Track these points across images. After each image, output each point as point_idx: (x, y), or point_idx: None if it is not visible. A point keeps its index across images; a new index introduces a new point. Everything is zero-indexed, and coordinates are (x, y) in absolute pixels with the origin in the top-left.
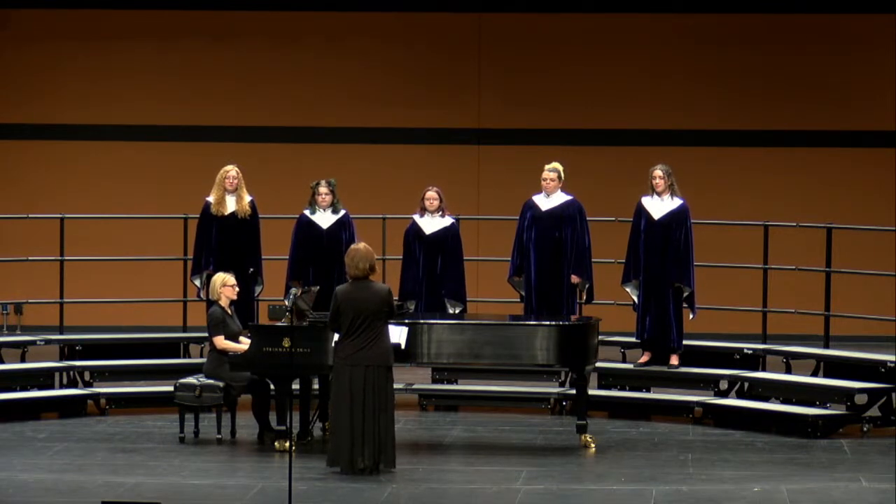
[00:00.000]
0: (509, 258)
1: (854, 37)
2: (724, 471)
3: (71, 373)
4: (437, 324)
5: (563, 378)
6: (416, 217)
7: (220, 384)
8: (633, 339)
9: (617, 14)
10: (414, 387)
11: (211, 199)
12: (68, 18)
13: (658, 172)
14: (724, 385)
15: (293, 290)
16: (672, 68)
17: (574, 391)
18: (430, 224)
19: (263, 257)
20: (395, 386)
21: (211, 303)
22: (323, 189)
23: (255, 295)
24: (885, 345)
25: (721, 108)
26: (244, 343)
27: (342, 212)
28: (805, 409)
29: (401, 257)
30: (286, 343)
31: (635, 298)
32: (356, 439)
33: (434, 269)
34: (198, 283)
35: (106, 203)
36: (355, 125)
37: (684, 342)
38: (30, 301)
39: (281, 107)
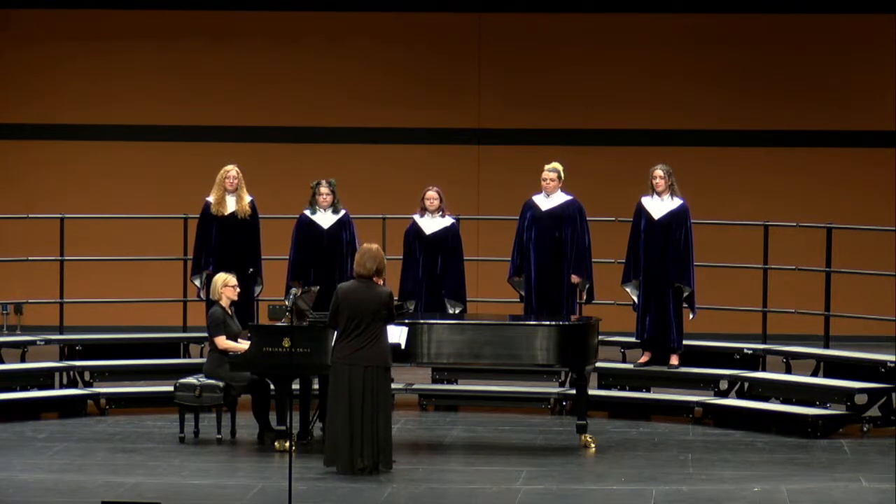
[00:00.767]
0: (509, 258)
1: (854, 37)
2: (724, 471)
3: (71, 373)
4: (437, 324)
5: (563, 378)
6: (417, 217)
7: (220, 384)
8: (633, 339)
9: (617, 14)
10: (414, 387)
11: (211, 199)
12: (68, 18)
13: (658, 172)
14: (724, 385)
15: (293, 291)
16: (672, 68)
17: (574, 391)
18: (431, 224)
19: (263, 257)
20: (395, 386)
21: (211, 303)
22: (323, 189)
23: (255, 295)
24: (885, 345)
25: (721, 108)
26: (244, 343)
27: (342, 212)
28: (805, 409)
29: (401, 257)
30: (286, 343)
31: (635, 298)
32: (355, 440)
33: (434, 269)
34: (198, 283)
35: (106, 203)
36: (355, 125)
37: (684, 342)
38: (30, 301)
39: (281, 107)
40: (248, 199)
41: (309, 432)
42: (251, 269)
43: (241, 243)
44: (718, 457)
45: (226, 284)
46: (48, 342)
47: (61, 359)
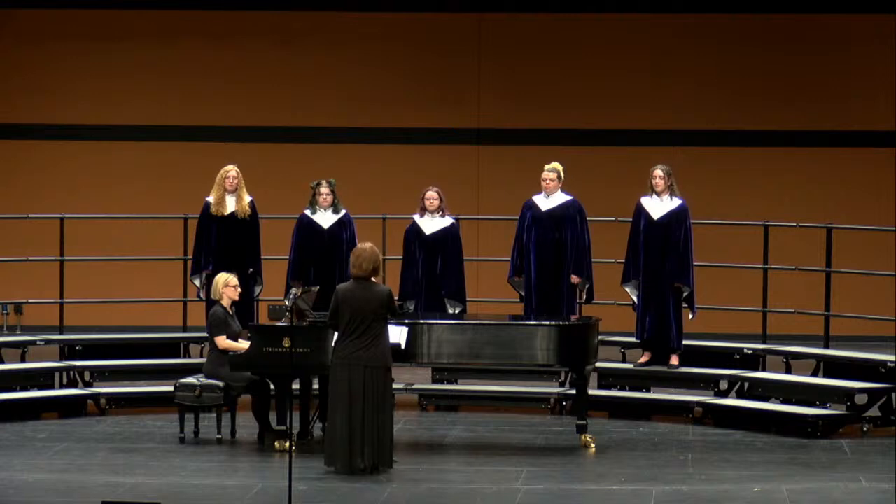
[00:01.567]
0: (509, 258)
1: (854, 37)
2: (724, 471)
3: (71, 373)
4: (437, 324)
5: (563, 378)
6: (416, 217)
7: (220, 384)
8: (633, 339)
9: (617, 14)
10: (414, 387)
11: (211, 199)
12: (68, 18)
13: (658, 172)
14: (724, 385)
15: (293, 290)
16: (672, 68)
17: (574, 391)
18: (430, 224)
19: (263, 257)
20: (396, 386)
21: (212, 303)
22: (324, 189)
23: (255, 295)
24: (885, 345)
25: (721, 108)
26: (245, 343)
27: (342, 212)
28: (805, 409)
29: (401, 257)
30: (286, 343)
31: (635, 298)
32: (355, 440)
33: (434, 269)
34: (197, 283)
35: (106, 203)
36: (355, 125)
37: (684, 342)
38: (30, 301)
39: (281, 107)
40: (247, 199)
41: (309, 432)
42: (251, 270)
43: (240, 243)
44: (718, 457)
45: (227, 284)
46: (48, 342)
47: (61, 359)
